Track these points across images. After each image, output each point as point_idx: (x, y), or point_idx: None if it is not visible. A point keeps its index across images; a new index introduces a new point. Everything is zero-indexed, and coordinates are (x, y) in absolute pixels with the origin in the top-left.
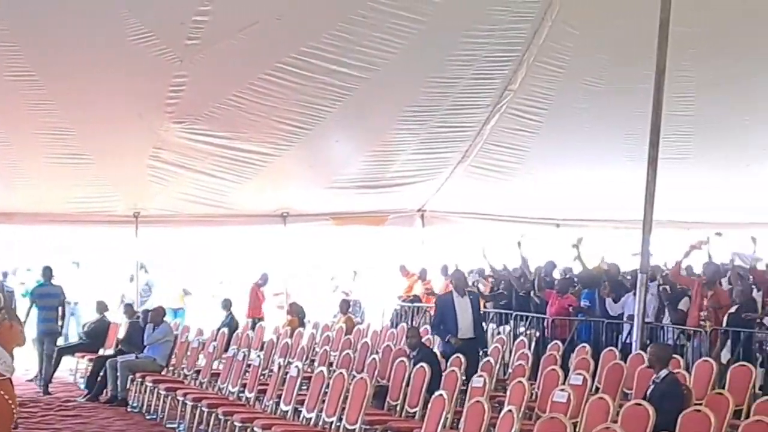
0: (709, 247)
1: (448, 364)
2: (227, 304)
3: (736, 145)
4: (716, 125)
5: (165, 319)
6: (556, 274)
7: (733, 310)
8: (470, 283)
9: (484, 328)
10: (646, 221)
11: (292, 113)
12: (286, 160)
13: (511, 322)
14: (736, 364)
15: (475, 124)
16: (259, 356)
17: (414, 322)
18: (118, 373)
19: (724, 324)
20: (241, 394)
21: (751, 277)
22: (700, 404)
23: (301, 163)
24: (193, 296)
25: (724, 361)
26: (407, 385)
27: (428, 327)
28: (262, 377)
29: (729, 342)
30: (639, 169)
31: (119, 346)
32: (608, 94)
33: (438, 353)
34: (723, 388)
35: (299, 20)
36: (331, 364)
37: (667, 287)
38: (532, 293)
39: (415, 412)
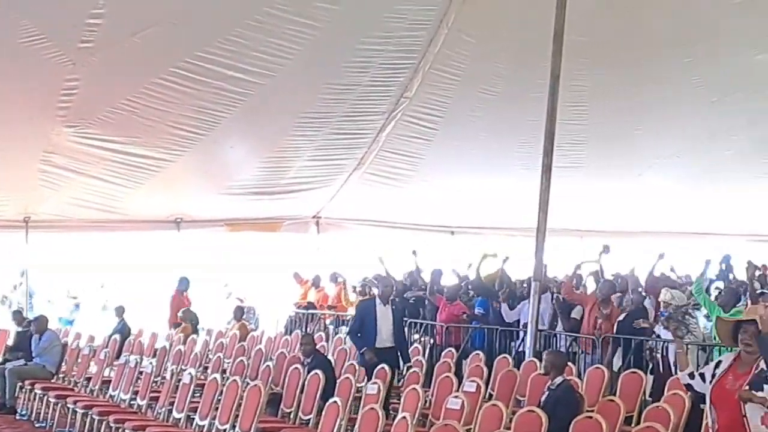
0: (599, 261)
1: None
2: (120, 311)
3: (629, 155)
4: (609, 134)
5: (51, 326)
6: (449, 282)
7: (621, 317)
8: (361, 288)
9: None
10: (539, 229)
11: (186, 118)
12: (180, 165)
13: (405, 329)
14: (627, 372)
15: (370, 131)
16: (151, 363)
17: (308, 329)
18: (7, 381)
19: (615, 331)
20: (132, 402)
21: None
22: (592, 411)
23: (195, 168)
24: (81, 308)
25: (615, 368)
26: (301, 392)
27: (322, 334)
28: (154, 384)
29: (620, 349)
30: (533, 177)
31: (7, 354)
32: (503, 103)
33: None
34: (614, 394)
35: (195, 25)
36: (224, 371)
37: (560, 296)
38: (426, 300)
39: (309, 419)
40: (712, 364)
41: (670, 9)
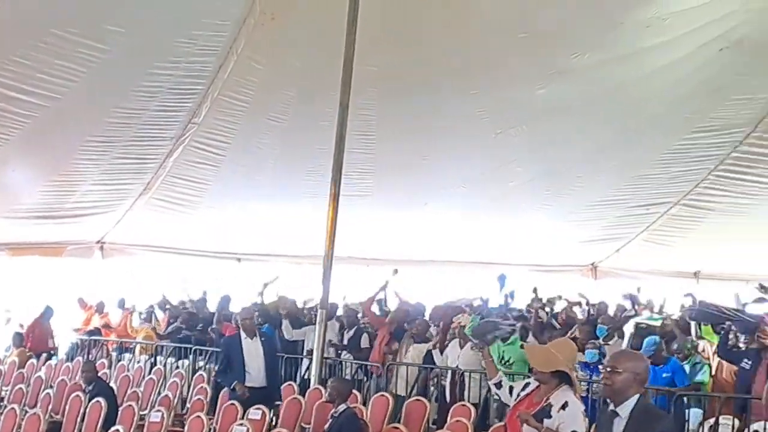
0: (390, 287)
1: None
2: None
3: (415, 184)
4: (396, 163)
5: None
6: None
7: (431, 346)
8: (145, 314)
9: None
10: (326, 257)
11: None
12: None
13: (190, 356)
14: (412, 399)
15: (157, 156)
16: None
17: (91, 356)
18: None
19: (422, 361)
20: None
21: None
22: None
23: None
24: None
25: (401, 393)
26: (82, 420)
27: (105, 361)
28: None
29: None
30: (321, 205)
31: None
32: (292, 130)
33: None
34: (399, 422)
35: None
36: (2, 399)
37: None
38: (209, 328)
39: None
40: (522, 383)
41: (456, 41)
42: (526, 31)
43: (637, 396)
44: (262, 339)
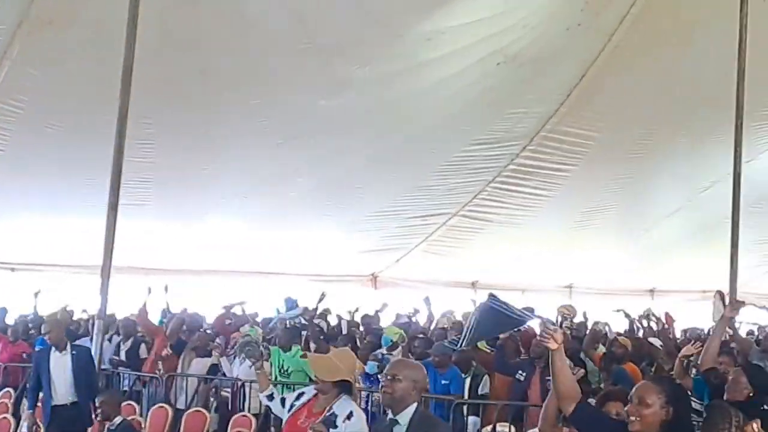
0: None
1: None
2: None
3: (196, 194)
4: (177, 173)
5: None
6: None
7: (215, 359)
8: None
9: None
10: (105, 267)
11: None
12: None
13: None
14: (191, 410)
15: None
16: None
17: None
18: None
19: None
20: None
21: None
22: None
23: None
24: None
25: (180, 406)
26: None
27: None
28: None
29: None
30: (99, 215)
31: None
32: (69, 139)
33: None
34: None
35: None
36: None
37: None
38: None
39: None
40: (295, 393)
41: (237, 51)
42: (308, 42)
43: (415, 404)
44: (73, 352)
